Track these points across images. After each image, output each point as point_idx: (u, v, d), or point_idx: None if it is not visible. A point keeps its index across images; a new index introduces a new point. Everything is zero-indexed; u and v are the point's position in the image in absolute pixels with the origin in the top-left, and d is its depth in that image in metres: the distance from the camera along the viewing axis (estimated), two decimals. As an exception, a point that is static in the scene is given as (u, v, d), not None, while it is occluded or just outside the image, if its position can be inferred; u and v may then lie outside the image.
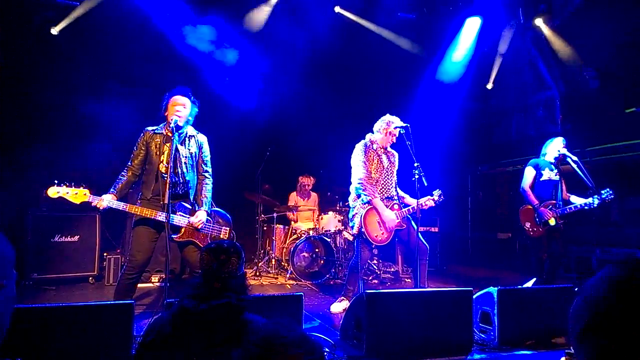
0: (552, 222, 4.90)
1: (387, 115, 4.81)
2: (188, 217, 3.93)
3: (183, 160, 3.91)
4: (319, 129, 7.89)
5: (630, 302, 0.80)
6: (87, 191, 3.63)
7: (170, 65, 6.67)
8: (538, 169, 5.10)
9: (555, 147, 5.09)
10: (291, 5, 7.26)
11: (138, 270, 3.81)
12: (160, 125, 4.00)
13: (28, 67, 6.25)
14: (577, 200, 4.97)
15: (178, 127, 3.84)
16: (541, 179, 5.06)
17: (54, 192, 3.57)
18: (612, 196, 4.77)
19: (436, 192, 4.66)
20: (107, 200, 3.68)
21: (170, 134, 3.89)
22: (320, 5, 7.37)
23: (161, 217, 3.72)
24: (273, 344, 1.07)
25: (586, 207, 4.84)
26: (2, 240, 0.99)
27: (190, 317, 1.67)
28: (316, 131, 7.84)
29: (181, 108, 3.89)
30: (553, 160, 5.11)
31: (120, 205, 3.73)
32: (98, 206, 3.67)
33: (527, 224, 5.07)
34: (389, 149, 4.87)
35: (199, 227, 3.92)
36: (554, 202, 5.00)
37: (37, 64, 6.30)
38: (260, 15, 7.31)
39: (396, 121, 4.72)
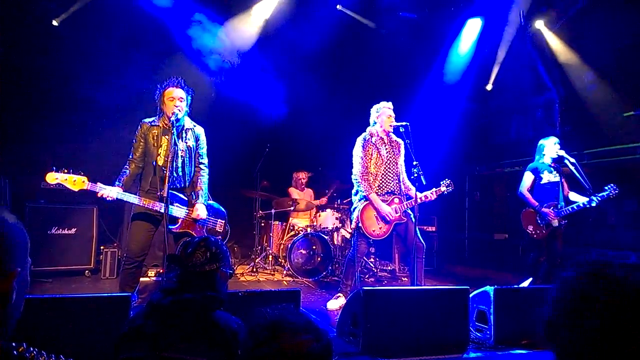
0: (555, 223, 4.96)
1: None
2: (186, 209, 3.94)
3: (180, 153, 3.91)
4: (318, 126, 7.87)
5: (582, 301, 0.89)
6: (85, 178, 3.58)
7: (170, 58, 6.65)
8: (537, 173, 5.15)
9: (551, 150, 5.13)
10: (293, 1, 7.24)
11: (134, 260, 3.82)
12: (156, 117, 3.98)
13: (28, 59, 6.21)
14: (579, 199, 4.99)
15: (178, 121, 3.83)
16: (541, 182, 5.11)
17: (52, 177, 3.53)
18: (617, 191, 4.78)
19: (444, 182, 4.65)
20: (116, 192, 3.64)
21: (167, 127, 3.89)
22: (322, 3, 7.36)
23: (160, 208, 3.73)
24: (281, 328, 1.07)
25: (587, 206, 4.85)
26: (18, 228, 1.00)
27: (155, 310, 1.65)
28: (315, 129, 7.83)
29: (178, 102, 3.88)
30: (550, 162, 5.15)
31: (131, 198, 3.72)
32: (106, 196, 3.60)
33: (530, 227, 5.10)
34: (393, 137, 4.86)
35: (199, 219, 3.93)
36: (556, 203, 5.02)
37: (38, 55, 6.27)
38: (262, 11, 7.29)
39: (382, 103, 4.79)
